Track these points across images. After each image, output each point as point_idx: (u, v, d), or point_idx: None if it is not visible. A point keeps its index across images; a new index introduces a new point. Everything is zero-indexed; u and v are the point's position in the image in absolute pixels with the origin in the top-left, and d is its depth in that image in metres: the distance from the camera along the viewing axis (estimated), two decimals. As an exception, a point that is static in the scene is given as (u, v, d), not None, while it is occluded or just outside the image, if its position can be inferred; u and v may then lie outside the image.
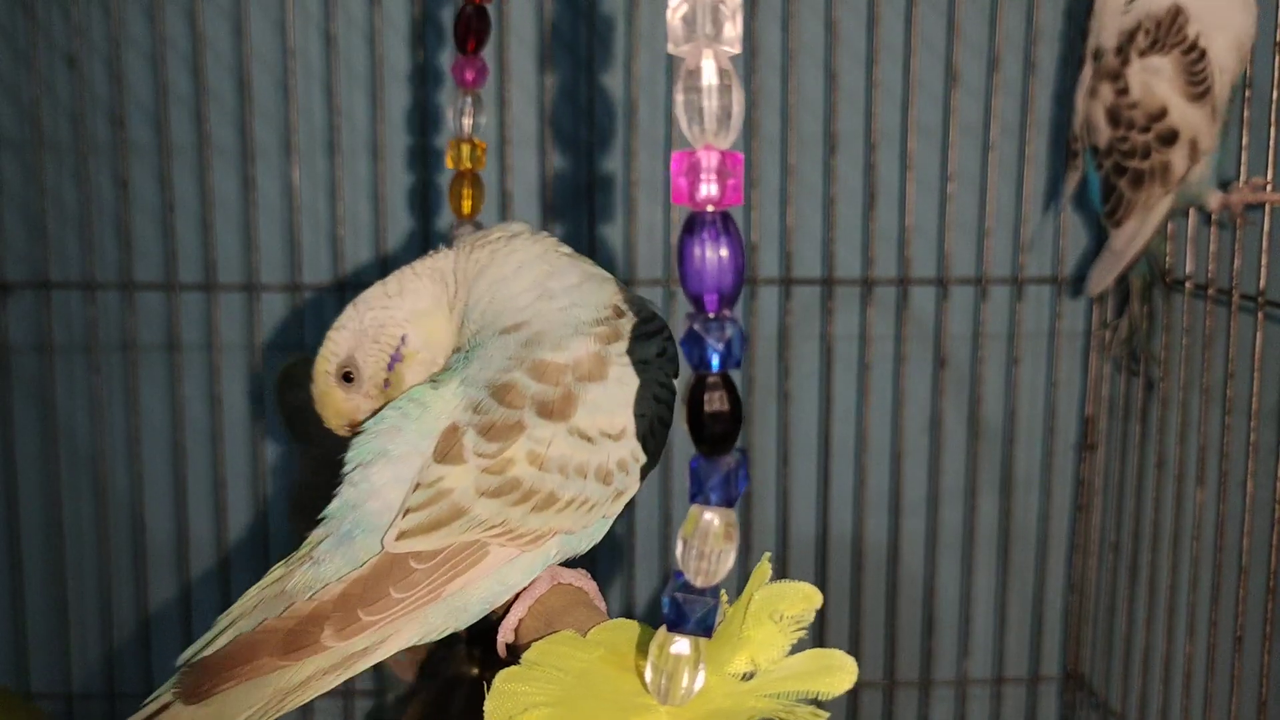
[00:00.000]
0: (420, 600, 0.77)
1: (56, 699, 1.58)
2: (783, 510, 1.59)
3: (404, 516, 0.78)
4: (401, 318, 0.87)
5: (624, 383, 0.80)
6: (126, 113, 1.50)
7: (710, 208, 0.55)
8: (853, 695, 1.61)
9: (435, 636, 0.81)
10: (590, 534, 0.83)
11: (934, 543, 1.61)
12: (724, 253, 0.55)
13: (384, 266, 1.53)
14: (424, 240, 1.54)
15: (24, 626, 1.56)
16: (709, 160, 0.53)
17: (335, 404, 0.88)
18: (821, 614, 1.58)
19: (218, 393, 1.54)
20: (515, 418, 0.78)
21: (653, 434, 0.81)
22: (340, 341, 0.87)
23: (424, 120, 1.52)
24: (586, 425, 0.78)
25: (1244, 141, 1.30)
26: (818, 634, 1.58)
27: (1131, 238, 1.36)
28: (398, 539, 0.78)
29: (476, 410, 0.79)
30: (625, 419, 0.80)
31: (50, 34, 1.50)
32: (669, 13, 0.53)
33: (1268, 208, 1.26)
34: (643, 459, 0.81)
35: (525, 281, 0.84)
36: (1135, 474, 1.49)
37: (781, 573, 1.60)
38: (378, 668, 0.94)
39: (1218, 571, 1.31)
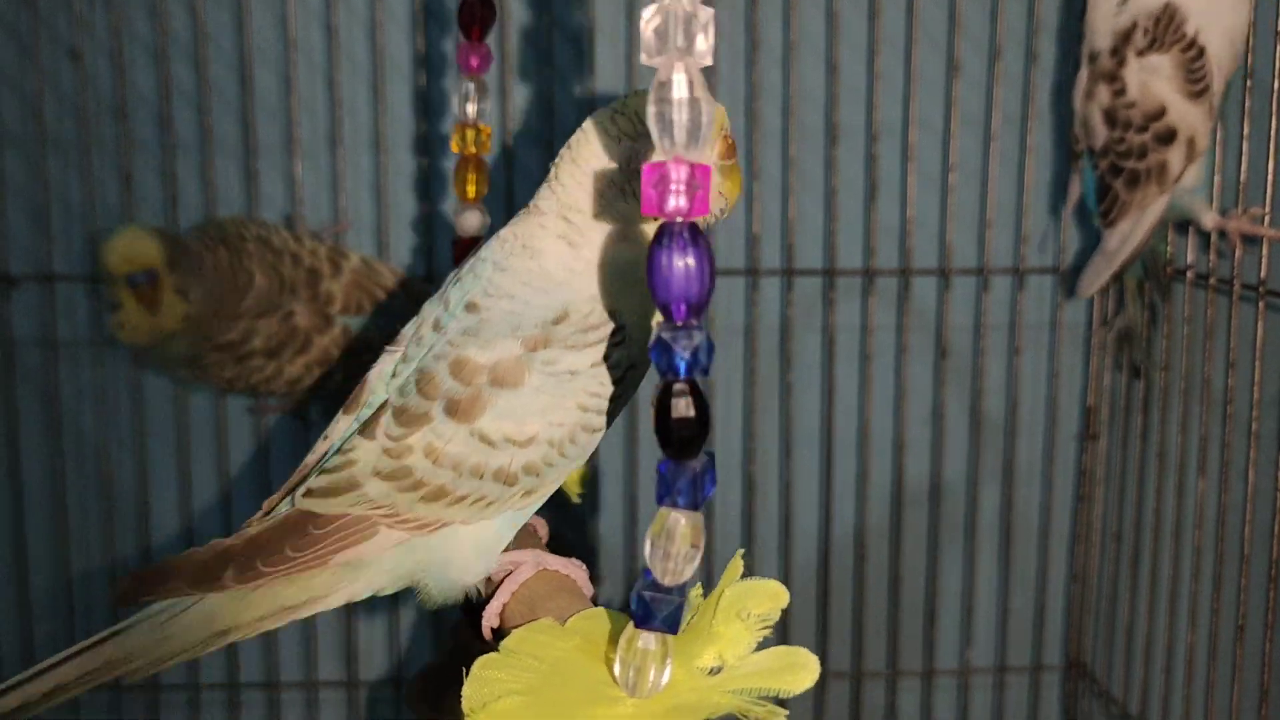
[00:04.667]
0: (308, 563, 0.80)
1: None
2: (785, 500, 1.60)
3: (317, 475, 0.82)
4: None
5: (542, 391, 0.79)
6: (129, 107, 1.50)
7: (679, 218, 0.55)
8: (855, 684, 1.62)
9: (368, 595, 0.85)
10: (510, 520, 0.84)
11: (936, 533, 1.61)
12: (691, 262, 0.56)
13: (387, 258, 1.53)
14: (426, 230, 1.55)
15: (29, 620, 1.57)
16: (678, 172, 0.54)
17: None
18: (823, 604, 1.59)
19: (222, 385, 1.55)
20: (426, 409, 0.80)
21: (573, 441, 0.81)
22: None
23: (426, 110, 1.53)
24: (491, 429, 0.79)
25: (1245, 131, 1.29)
26: (820, 624, 1.59)
27: (1125, 238, 1.36)
28: (303, 495, 0.82)
29: (402, 391, 0.82)
30: (537, 427, 0.80)
31: (53, 28, 1.50)
32: (642, 24, 0.53)
33: (1266, 242, 1.26)
34: (558, 463, 0.81)
35: (529, 265, 0.83)
36: (1137, 464, 1.49)
37: (784, 563, 1.61)
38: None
39: (1219, 561, 1.31)
